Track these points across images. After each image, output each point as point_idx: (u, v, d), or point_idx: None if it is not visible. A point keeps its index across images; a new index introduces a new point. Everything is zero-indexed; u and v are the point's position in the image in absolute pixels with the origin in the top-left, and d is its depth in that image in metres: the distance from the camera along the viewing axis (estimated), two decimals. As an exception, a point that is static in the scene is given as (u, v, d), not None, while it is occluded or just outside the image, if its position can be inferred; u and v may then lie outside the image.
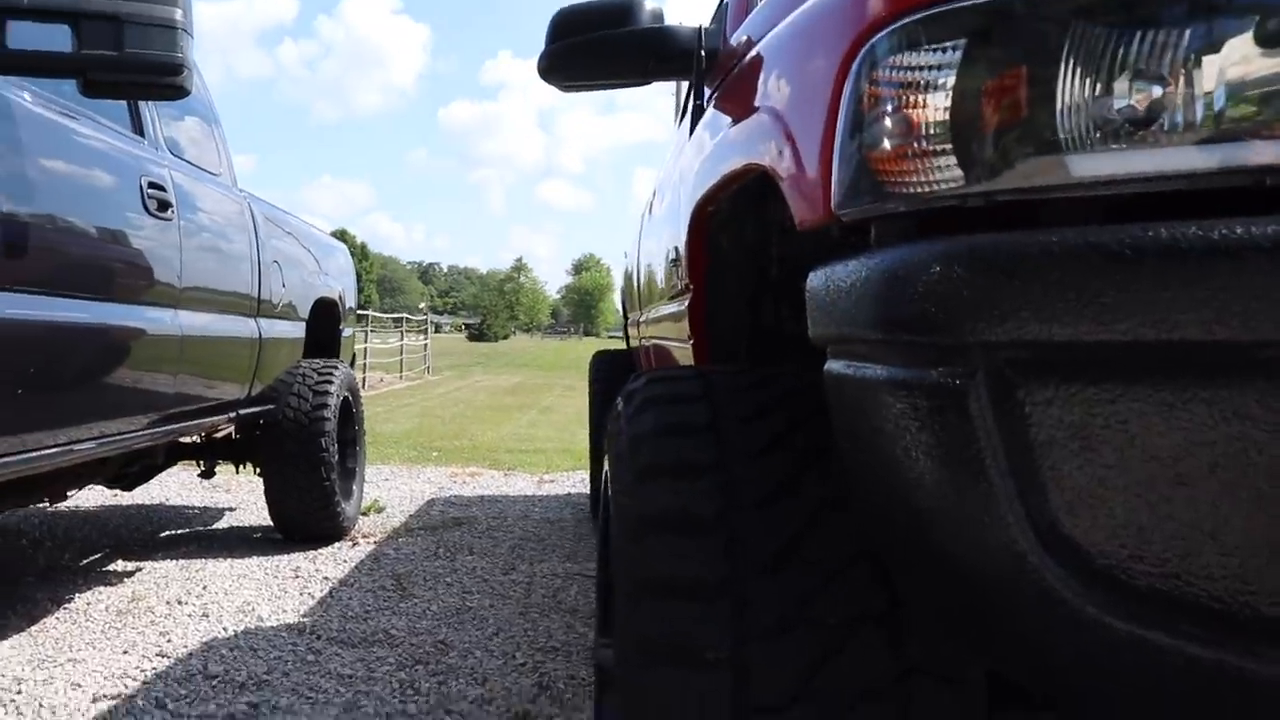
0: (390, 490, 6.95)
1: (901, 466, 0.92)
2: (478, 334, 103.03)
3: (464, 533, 5.47)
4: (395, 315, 29.59)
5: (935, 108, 0.90)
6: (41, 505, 5.63)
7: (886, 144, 0.95)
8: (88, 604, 4.02)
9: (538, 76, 2.34)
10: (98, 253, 3.04)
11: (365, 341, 20.56)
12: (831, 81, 1.06)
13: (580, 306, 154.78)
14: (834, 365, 1.07)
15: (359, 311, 22.20)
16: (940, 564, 0.94)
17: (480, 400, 16.68)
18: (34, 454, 2.74)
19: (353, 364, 6.44)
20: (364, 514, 5.87)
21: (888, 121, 0.94)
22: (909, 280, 0.87)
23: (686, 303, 2.10)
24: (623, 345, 6.48)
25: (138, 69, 2.39)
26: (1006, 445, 0.83)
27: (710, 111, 2.02)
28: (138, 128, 3.51)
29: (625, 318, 5.99)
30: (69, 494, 4.06)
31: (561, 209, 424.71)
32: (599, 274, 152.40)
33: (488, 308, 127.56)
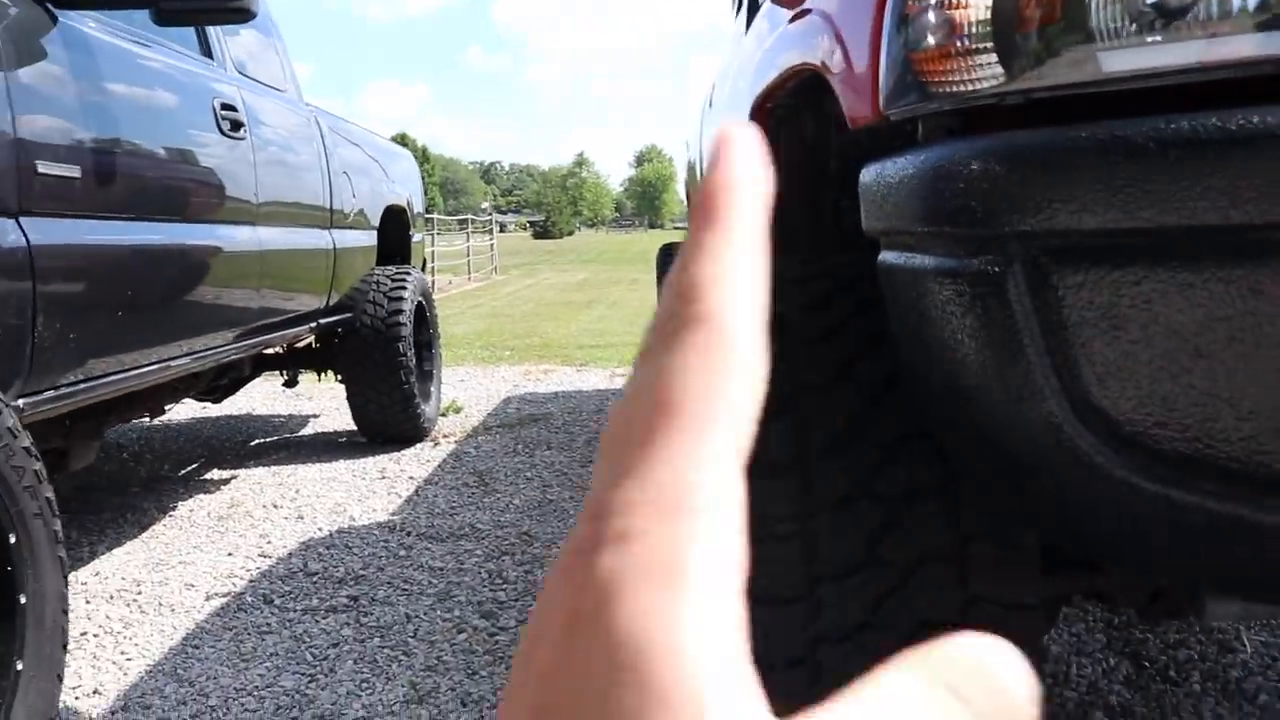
0: (466, 390, 7.13)
1: (949, 349, 1.00)
2: (542, 231, 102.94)
3: (541, 429, 5.63)
4: (460, 217, 29.72)
5: (974, 7, 0.96)
6: (141, 420, 5.91)
7: (929, 44, 1.00)
8: (191, 511, 4.25)
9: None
10: (178, 176, 3.16)
11: (432, 244, 20.73)
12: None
13: (644, 199, 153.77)
14: (886, 256, 1.14)
15: (424, 215, 22.35)
16: (986, 438, 1.02)
17: (549, 297, 16.84)
18: (134, 371, 2.90)
19: (423, 268, 6.57)
20: (443, 415, 6.05)
21: (930, 22, 1.00)
22: (951, 177, 0.94)
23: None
24: (688, 237, 6.51)
25: (205, -5, 2.47)
26: (1042, 326, 0.90)
27: (766, 4, 2.05)
28: (206, 50, 3.59)
29: (691, 210, 6.03)
30: (166, 408, 4.26)
31: (620, 100, 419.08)
32: (661, 164, 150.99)
33: (551, 204, 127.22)
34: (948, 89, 0.99)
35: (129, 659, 2.83)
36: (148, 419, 4.49)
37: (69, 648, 2.89)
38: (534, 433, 5.53)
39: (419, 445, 5.35)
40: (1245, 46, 0.82)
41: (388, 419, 5.17)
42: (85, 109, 2.55)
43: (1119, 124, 0.84)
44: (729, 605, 0.21)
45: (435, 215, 22.90)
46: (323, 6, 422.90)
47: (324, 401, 6.81)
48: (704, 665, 0.20)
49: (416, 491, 4.44)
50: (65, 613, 2.21)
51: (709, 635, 0.20)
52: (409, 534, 3.83)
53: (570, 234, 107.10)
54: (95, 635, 3.00)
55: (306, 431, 5.98)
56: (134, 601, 3.26)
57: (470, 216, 27.79)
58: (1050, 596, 1.54)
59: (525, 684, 0.22)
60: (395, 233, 5.80)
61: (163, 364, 3.08)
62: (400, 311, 4.99)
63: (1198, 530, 0.88)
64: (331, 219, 4.62)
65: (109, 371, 2.74)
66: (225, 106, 3.45)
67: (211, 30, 3.61)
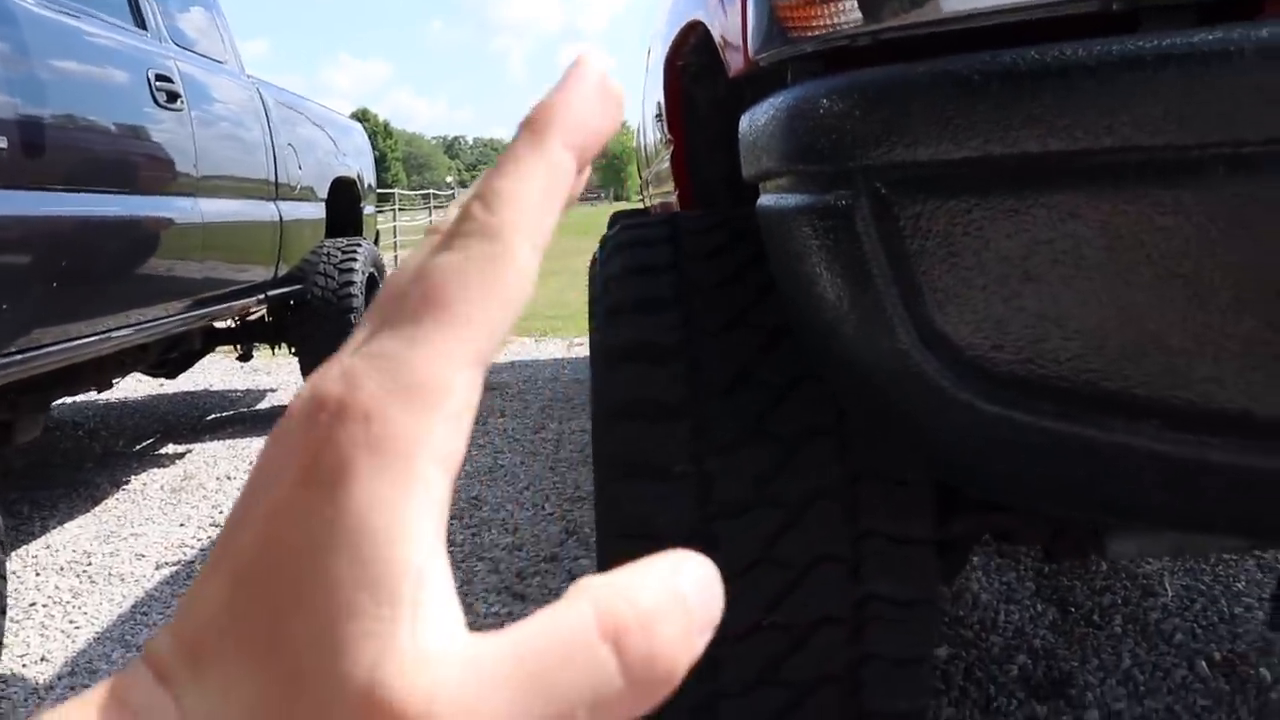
0: (424, 363, 7.11)
1: (813, 284, 1.03)
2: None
3: (496, 397, 5.65)
4: (423, 192, 29.55)
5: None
6: (92, 397, 5.89)
7: (790, -9, 1.03)
8: (144, 485, 4.25)
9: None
10: (112, 147, 3.15)
11: (394, 220, 20.61)
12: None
13: (609, 171, 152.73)
14: (762, 200, 1.17)
15: (386, 190, 22.29)
16: (851, 371, 1.06)
17: (512, 271, 16.77)
18: (73, 343, 2.91)
19: (376, 241, 6.56)
20: (399, 386, 6.04)
21: (787, -30, 1.03)
22: (803, 115, 0.97)
23: (670, 155, 2.19)
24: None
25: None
26: (888, 257, 0.94)
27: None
28: (139, 21, 3.57)
29: (641, 177, 6.05)
30: (114, 382, 4.26)
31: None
32: (625, 136, 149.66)
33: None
34: (806, 33, 1.02)
35: (77, 627, 2.85)
36: (96, 394, 4.48)
37: (18, 619, 2.92)
38: (488, 401, 5.54)
39: (373, 417, 5.35)
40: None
41: (342, 390, 5.16)
42: (11, 80, 2.55)
43: (948, 60, 0.87)
44: (442, 507, 0.23)
45: (397, 191, 22.77)
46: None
47: (282, 376, 6.80)
48: (411, 561, 0.22)
49: (369, 461, 4.46)
50: (3, 578, 2.23)
51: (421, 533, 0.22)
52: (360, 502, 3.85)
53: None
54: (44, 606, 3.02)
55: (263, 405, 5.98)
56: (84, 573, 3.28)
57: (432, 192, 27.65)
58: (954, 536, 1.59)
59: (248, 520, 0.23)
60: (345, 205, 5.79)
61: (103, 336, 3.08)
62: (352, 283, 5.00)
63: (1039, 450, 0.92)
64: (277, 191, 4.61)
65: (45, 343, 2.75)
66: (160, 78, 3.43)
67: (144, 1, 3.59)
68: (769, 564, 1.30)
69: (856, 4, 0.97)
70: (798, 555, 1.30)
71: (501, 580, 2.94)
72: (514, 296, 0.25)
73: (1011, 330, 0.89)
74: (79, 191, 2.86)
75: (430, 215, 24.74)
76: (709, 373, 1.33)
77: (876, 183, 0.92)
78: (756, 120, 1.11)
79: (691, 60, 1.89)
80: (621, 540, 1.34)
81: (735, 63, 1.26)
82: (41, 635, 2.80)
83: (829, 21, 1.00)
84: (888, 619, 1.32)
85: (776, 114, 1.03)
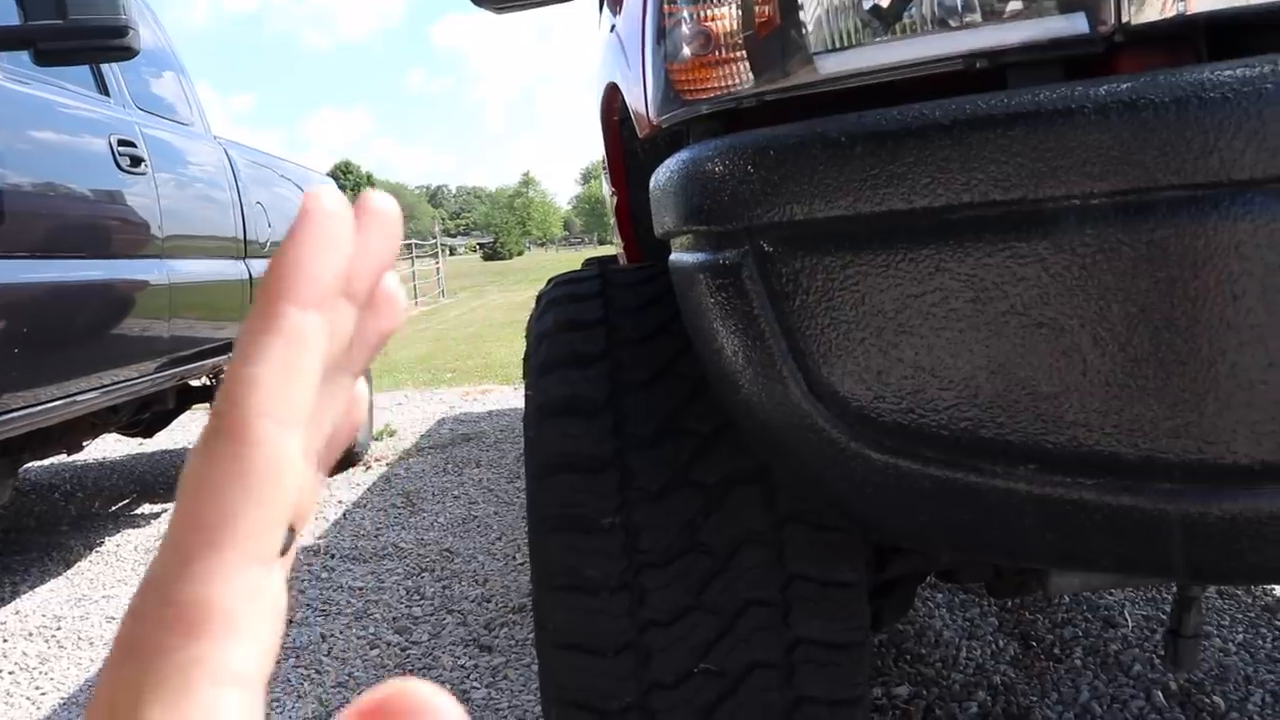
0: (402, 414, 7.15)
1: (711, 339, 1.06)
2: (492, 253, 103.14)
3: (472, 447, 5.66)
4: (406, 242, 29.68)
5: (716, 20, 1.03)
6: (70, 459, 5.89)
7: (681, 56, 1.07)
8: (118, 546, 4.25)
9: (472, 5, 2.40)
10: (76, 213, 3.18)
11: (377, 271, 20.61)
12: (641, 2, 1.18)
13: (592, 215, 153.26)
14: (671, 257, 1.21)
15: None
16: (750, 420, 1.09)
17: (495, 318, 16.89)
18: (40, 407, 2.92)
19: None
20: (376, 439, 6.07)
21: (678, 36, 1.07)
22: (692, 177, 1.01)
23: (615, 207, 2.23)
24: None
25: (83, 34, 2.51)
26: (776, 313, 0.97)
27: (604, 14, 2.12)
28: (102, 88, 3.61)
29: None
30: (84, 444, 4.26)
31: (565, 118, 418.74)
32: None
33: (499, 225, 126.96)
34: (699, 96, 1.06)
35: (43, 694, 2.84)
36: (67, 456, 4.48)
37: (-18, 687, 2.91)
38: (465, 451, 5.56)
39: (350, 470, 5.36)
40: (924, 48, 0.89)
41: (317, 445, 5.17)
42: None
43: (819, 121, 0.91)
44: None
45: (379, 241, 22.80)
46: (261, 36, 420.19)
47: (260, 432, 6.79)
48: None
49: (344, 515, 4.46)
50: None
51: None
52: (333, 556, 3.85)
53: (520, 254, 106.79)
54: (10, 673, 3.01)
55: (240, 462, 5.97)
56: (53, 637, 3.27)
57: (414, 241, 27.81)
58: (893, 577, 1.61)
59: None
60: (319, 260, 5.81)
61: (68, 400, 3.09)
62: (324, 338, 5.01)
63: (927, 496, 0.95)
64: (246, 249, 4.64)
65: (9, 409, 2.76)
66: (123, 143, 3.46)
67: (108, 68, 3.64)
68: (699, 611, 1.32)
69: (745, 67, 1.01)
70: (727, 602, 1.32)
71: (469, 633, 2.94)
72: (275, 488, 0.24)
73: (891, 381, 0.92)
74: (42, 258, 2.88)
75: (412, 264, 24.85)
76: (635, 425, 1.35)
77: (760, 241, 0.95)
78: (659, 181, 1.14)
79: (625, 115, 1.93)
80: (554, 593, 1.35)
81: (643, 125, 1.30)
82: (5, 704, 2.79)
83: (719, 85, 1.04)
84: (820, 662, 1.34)
85: (672, 176, 1.07)
